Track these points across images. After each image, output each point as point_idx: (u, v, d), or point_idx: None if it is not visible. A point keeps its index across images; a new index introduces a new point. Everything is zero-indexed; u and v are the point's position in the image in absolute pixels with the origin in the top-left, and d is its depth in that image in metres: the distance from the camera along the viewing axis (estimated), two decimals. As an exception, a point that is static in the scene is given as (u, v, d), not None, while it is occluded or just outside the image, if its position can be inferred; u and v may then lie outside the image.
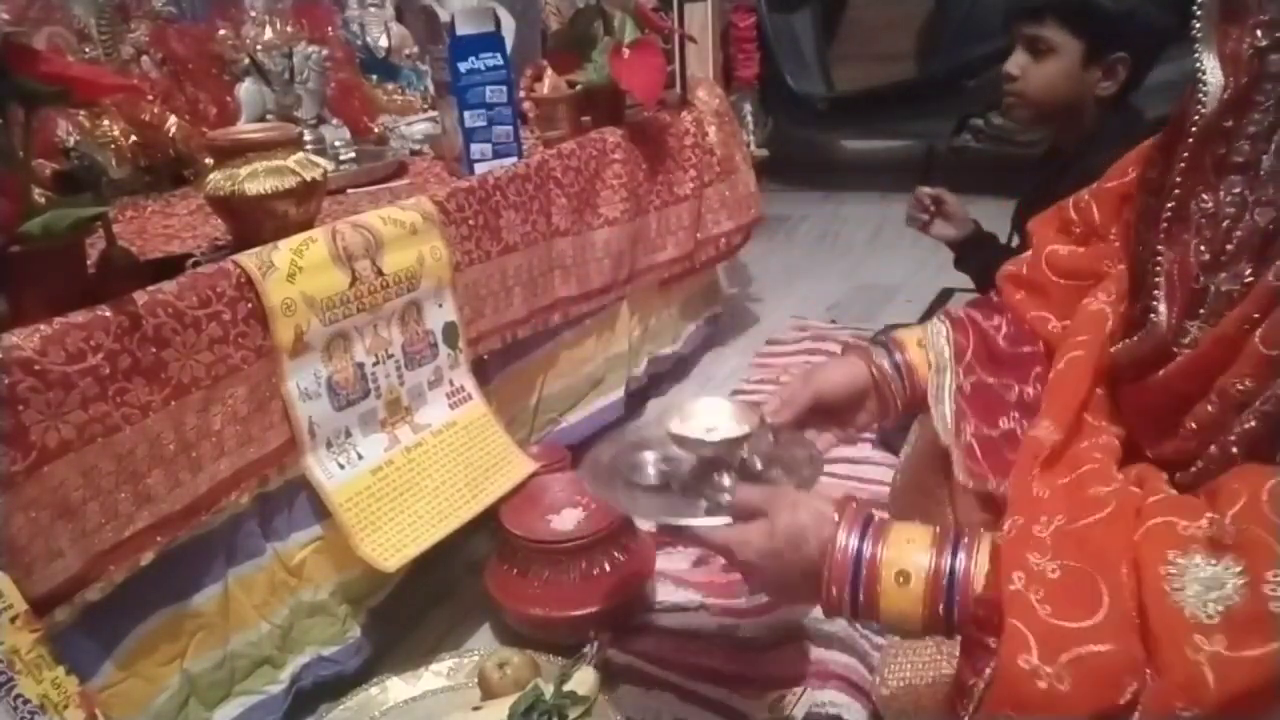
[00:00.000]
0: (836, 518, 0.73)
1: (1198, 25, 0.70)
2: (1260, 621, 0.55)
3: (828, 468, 1.63)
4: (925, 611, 0.69)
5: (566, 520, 1.35)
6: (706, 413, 0.90)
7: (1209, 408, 0.68)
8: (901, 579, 0.70)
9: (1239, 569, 0.57)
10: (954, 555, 0.69)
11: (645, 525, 1.30)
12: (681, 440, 0.87)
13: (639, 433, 0.97)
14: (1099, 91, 1.37)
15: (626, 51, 1.67)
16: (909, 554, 0.70)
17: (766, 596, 0.81)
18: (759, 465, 0.89)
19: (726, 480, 0.86)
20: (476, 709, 1.07)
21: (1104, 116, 1.39)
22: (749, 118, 3.34)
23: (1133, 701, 0.58)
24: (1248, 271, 0.66)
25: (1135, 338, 0.77)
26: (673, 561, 1.42)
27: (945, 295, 2.51)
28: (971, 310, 0.98)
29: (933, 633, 0.72)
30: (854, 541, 0.72)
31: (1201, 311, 0.70)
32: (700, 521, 0.82)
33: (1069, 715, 0.59)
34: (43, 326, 0.84)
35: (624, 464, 0.91)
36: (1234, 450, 0.67)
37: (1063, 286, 0.94)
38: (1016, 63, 1.41)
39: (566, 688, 1.05)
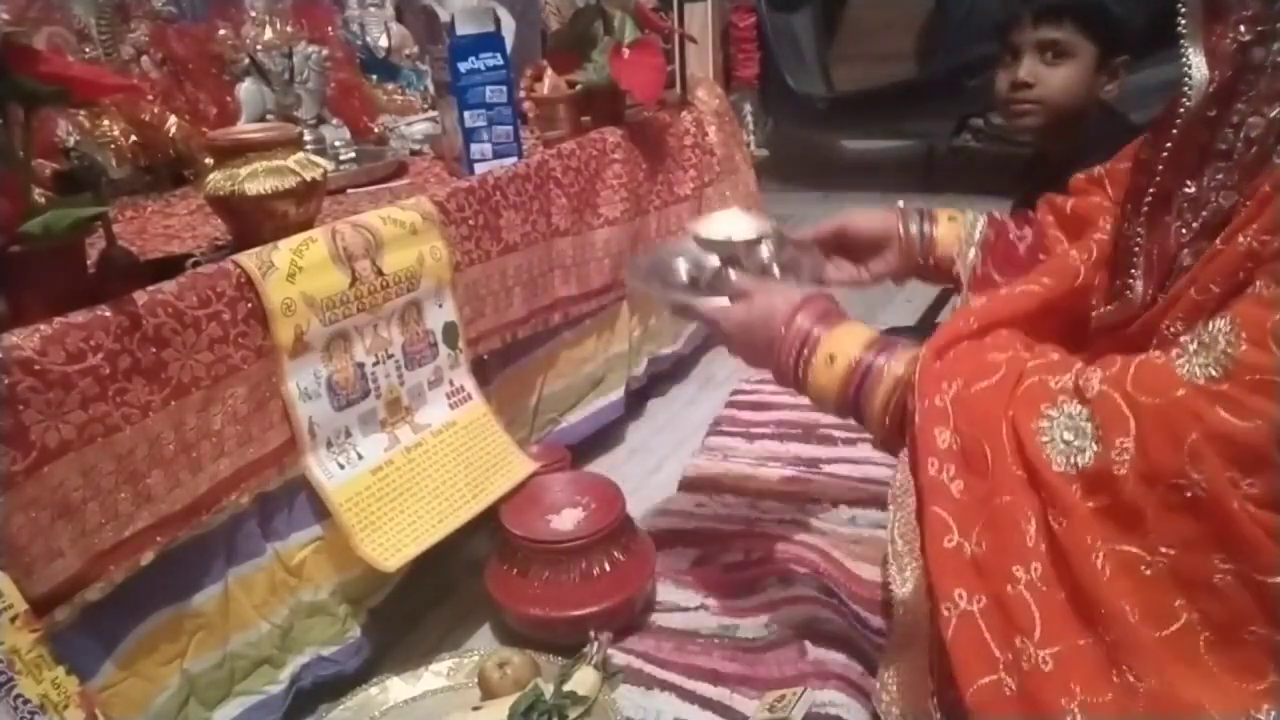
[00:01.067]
0: (802, 302, 0.90)
1: (1183, 22, 0.74)
2: (1106, 481, 0.64)
3: (827, 467, 1.65)
4: (839, 391, 0.85)
5: (566, 520, 1.35)
6: (729, 221, 1.07)
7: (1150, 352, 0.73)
8: (830, 360, 0.86)
9: (1097, 423, 0.66)
10: (878, 355, 0.84)
11: (664, 306, 1.49)
12: (703, 242, 1.06)
13: (674, 244, 1.20)
14: (1103, 95, 1.37)
15: (626, 51, 1.67)
16: (845, 344, 0.86)
17: (744, 361, 0.99)
18: (775, 269, 1.06)
19: (734, 275, 1.02)
20: (476, 709, 1.07)
21: (1096, 120, 1.39)
22: (749, 118, 3.34)
23: (1037, 543, 0.68)
24: (1206, 246, 0.70)
25: (1113, 308, 0.83)
26: (673, 561, 1.42)
27: (945, 295, 2.51)
28: (1006, 218, 1.12)
29: (840, 411, 0.87)
30: (807, 323, 0.88)
31: (1167, 284, 0.75)
32: (698, 300, 1.01)
33: (998, 573, 0.68)
34: (43, 326, 0.84)
35: (661, 267, 1.10)
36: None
37: (1075, 222, 1.05)
38: (1030, 71, 1.37)
39: (566, 688, 1.05)
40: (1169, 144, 0.76)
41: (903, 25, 3.67)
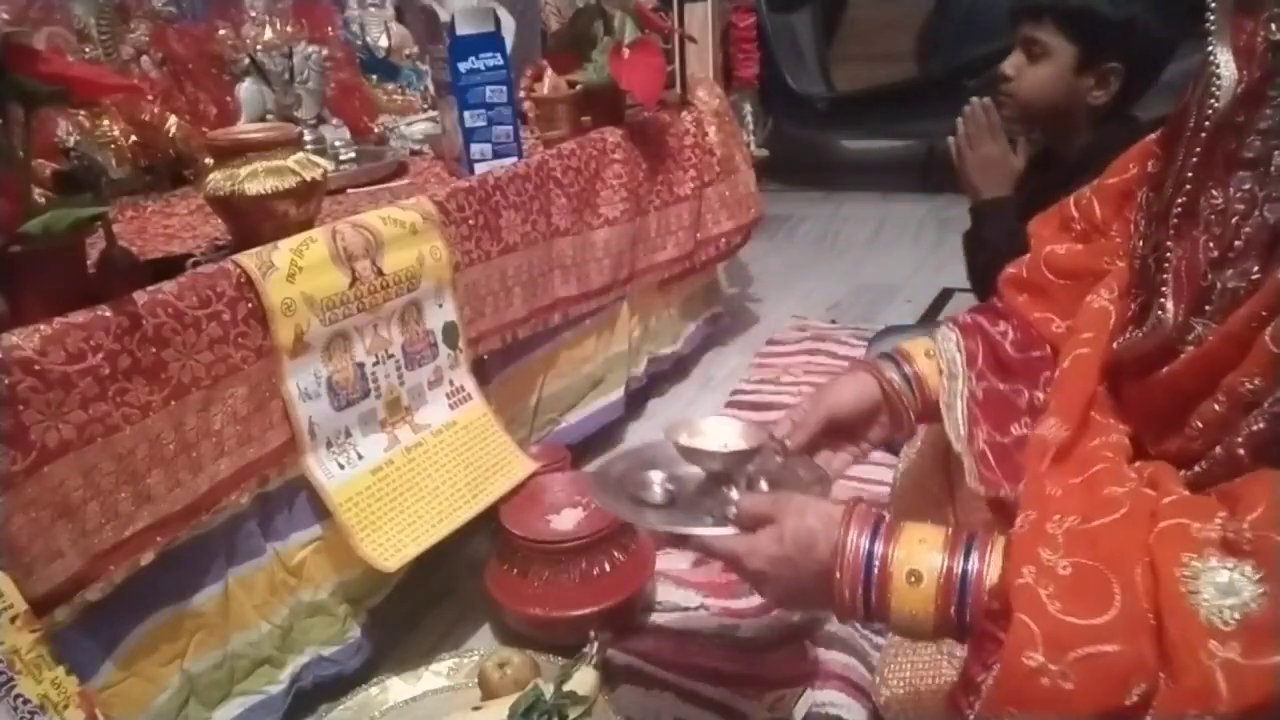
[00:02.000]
0: (846, 519, 0.73)
1: (1211, 18, 0.69)
2: (1276, 631, 0.54)
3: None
4: (937, 612, 0.68)
5: (566, 520, 1.35)
6: (715, 430, 0.90)
7: (1216, 406, 0.67)
8: (913, 579, 0.69)
9: (1257, 576, 0.55)
10: (967, 556, 0.68)
11: (652, 535, 1.31)
12: (689, 452, 0.88)
13: (647, 451, 0.98)
14: (1090, 100, 1.37)
15: (626, 51, 1.67)
16: (921, 554, 0.69)
17: (779, 606, 0.80)
18: (764, 486, 0.88)
19: (734, 494, 0.86)
20: (476, 709, 1.07)
21: (1101, 126, 1.39)
22: (749, 118, 3.34)
23: (1140, 704, 0.57)
24: (1255, 269, 0.65)
25: (1140, 333, 0.76)
26: (673, 561, 1.42)
27: (945, 295, 2.51)
28: (978, 316, 0.98)
29: (944, 635, 0.70)
30: (865, 542, 0.71)
31: (1207, 309, 0.69)
32: (707, 530, 0.81)
33: (1072, 715, 0.59)
34: (43, 326, 0.84)
35: (631, 481, 0.91)
36: (1240, 452, 0.65)
37: (1063, 286, 0.93)
38: (1012, 63, 1.41)
39: (566, 688, 1.05)
40: (1198, 149, 0.70)
41: (903, 25, 3.67)
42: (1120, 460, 0.75)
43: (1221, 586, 0.56)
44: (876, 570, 0.70)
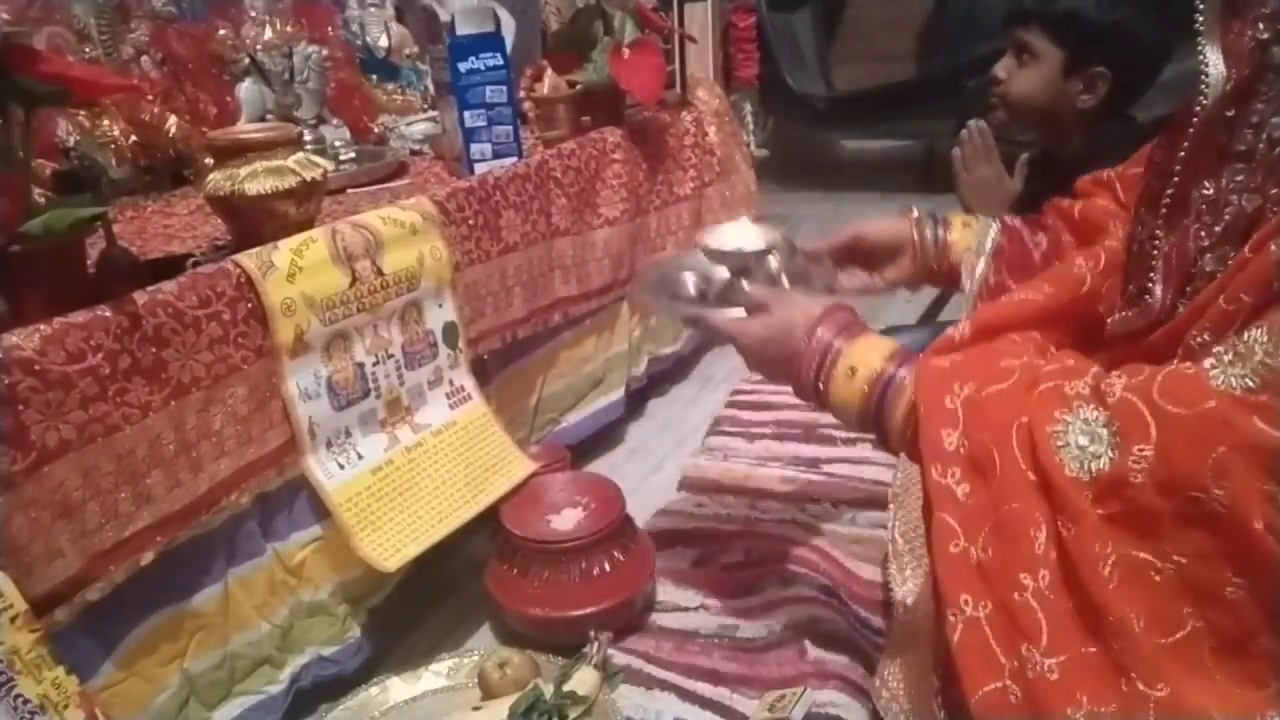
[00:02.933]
0: (822, 316, 0.87)
1: (1200, 19, 0.72)
2: (1120, 487, 0.64)
3: (827, 467, 1.65)
4: (861, 402, 0.83)
5: (566, 520, 1.35)
6: (738, 232, 1.07)
7: (1175, 362, 0.71)
8: (850, 373, 0.84)
9: (1114, 429, 0.65)
10: (899, 367, 0.82)
11: (676, 320, 1.53)
12: (711, 253, 1.04)
13: (681, 258, 1.16)
14: (1079, 104, 1.37)
15: (626, 51, 1.67)
16: (867, 356, 0.84)
17: (761, 375, 0.97)
18: (784, 280, 1.03)
19: (747, 286, 1.01)
20: (476, 709, 1.07)
21: (1097, 128, 1.39)
22: (749, 118, 3.34)
23: (1048, 549, 0.67)
24: (1231, 253, 0.68)
25: (1130, 313, 0.80)
26: (673, 561, 1.42)
27: (945, 295, 2.51)
28: (1021, 223, 1.10)
29: (865, 425, 0.84)
30: (828, 335, 0.86)
31: (1188, 290, 0.73)
32: (713, 312, 0.99)
33: (1005, 577, 0.68)
34: (43, 326, 0.84)
35: (669, 281, 1.09)
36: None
37: (1084, 227, 1.03)
38: (1004, 66, 1.43)
39: (566, 688, 1.05)
40: (1186, 144, 0.74)
41: (903, 25, 3.67)
42: (1026, 343, 0.83)
43: (1086, 433, 0.67)
44: (829, 360, 0.85)
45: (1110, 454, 0.64)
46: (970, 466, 0.72)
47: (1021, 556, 0.68)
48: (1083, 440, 0.66)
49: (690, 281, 1.09)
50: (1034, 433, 0.69)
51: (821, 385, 0.86)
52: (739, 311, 0.96)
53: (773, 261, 1.04)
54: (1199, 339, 0.68)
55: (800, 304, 0.91)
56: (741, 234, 1.06)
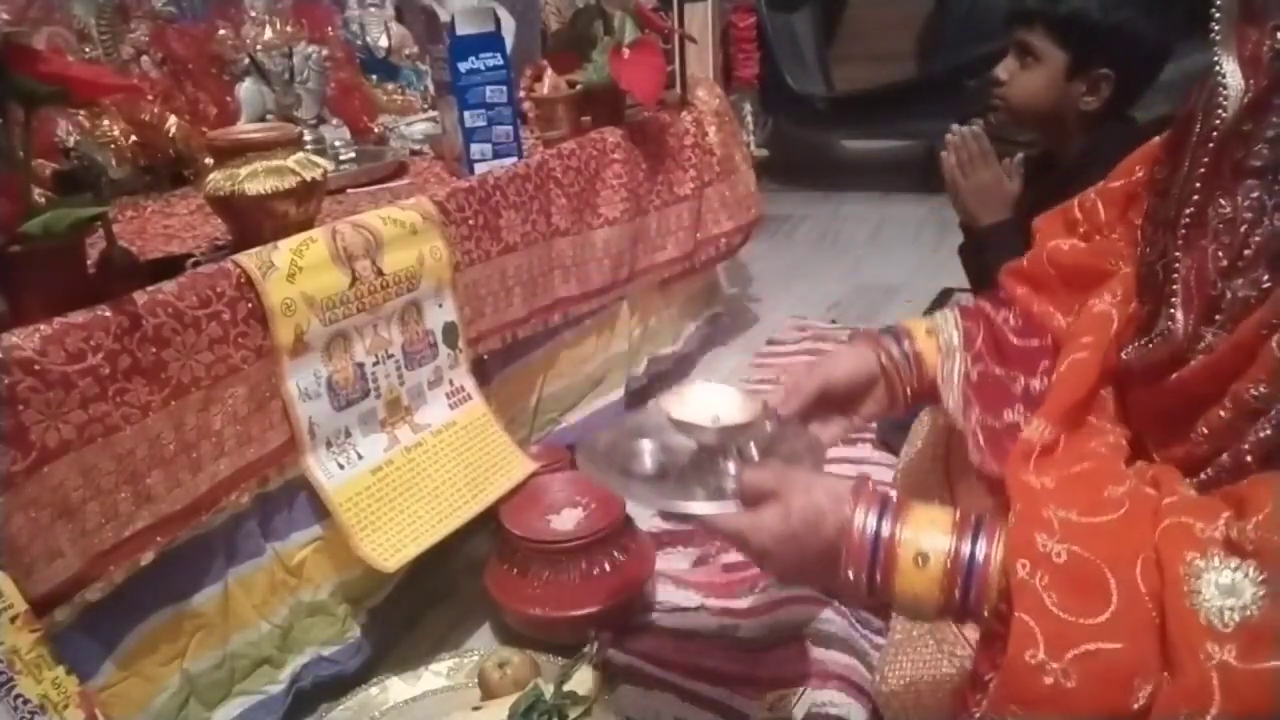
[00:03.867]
0: (854, 497, 0.71)
1: (1216, 28, 0.69)
2: (1275, 636, 0.54)
3: (829, 467, 1.64)
4: (941, 595, 0.67)
5: (566, 520, 1.35)
6: (707, 398, 0.87)
7: (1222, 413, 0.67)
8: (920, 560, 0.68)
9: (1259, 578, 0.55)
10: (974, 540, 0.67)
11: (648, 511, 1.26)
12: (682, 425, 0.84)
13: (636, 420, 0.95)
14: (1081, 106, 1.37)
15: (626, 51, 1.67)
16: (929, 535, 0.68)
17: (782, 582, 0.80)
18: (755, 455, 0.86)
19: (731, 467, 0.84)
20: (476, 709, 1.07)
21: (1097, 129, 1.39)
22: (749, 118, 3.34)
23: (1146, 706, 0.57)
24: (1265, 278, 0.65)
25: (1149, 343, 0.75)
26: (673, 561, 1.42)
27: (945, 295, 2.51)
28: (981, 301, 0.98)
29: (947, 617, 0.71)
30: (872, 521, 0.70)
31: (1217, 318, 0.69)
32: (709, 507, 0.79)
33: (1076, 714, 0.58)
34: (43, 326, 0.84)
35: (620, 452, 0.88)
36: (1248, 459, 0.65)
37: (1065, 282, 0.93)
38: (1005, 67, 1.42)
39: (566, 688, 1.05)
40: (1205, 159, 0.70)
41: (903, 25, 3.67)
42: (1117, 460, 0.75)
43: (1224, 587, 0.56)
44: (883, 551, 0.69)
45: (1260, 594, 0.55)
46: (1068, 580, 0.61)
47: (1115, 703, 0.58)
48: (1224, 584, 0.57)
49: (648, 453, 0.88)
50: (1164, 570, 0.59)
51: (880, 582, 0.70)
52: (729, 504, 0.77)
53: (753, 435, 0.86)
54: (1253, 391, 0.64)
55: (818, 485, 0.74)
56: (714, 401, 0.86)
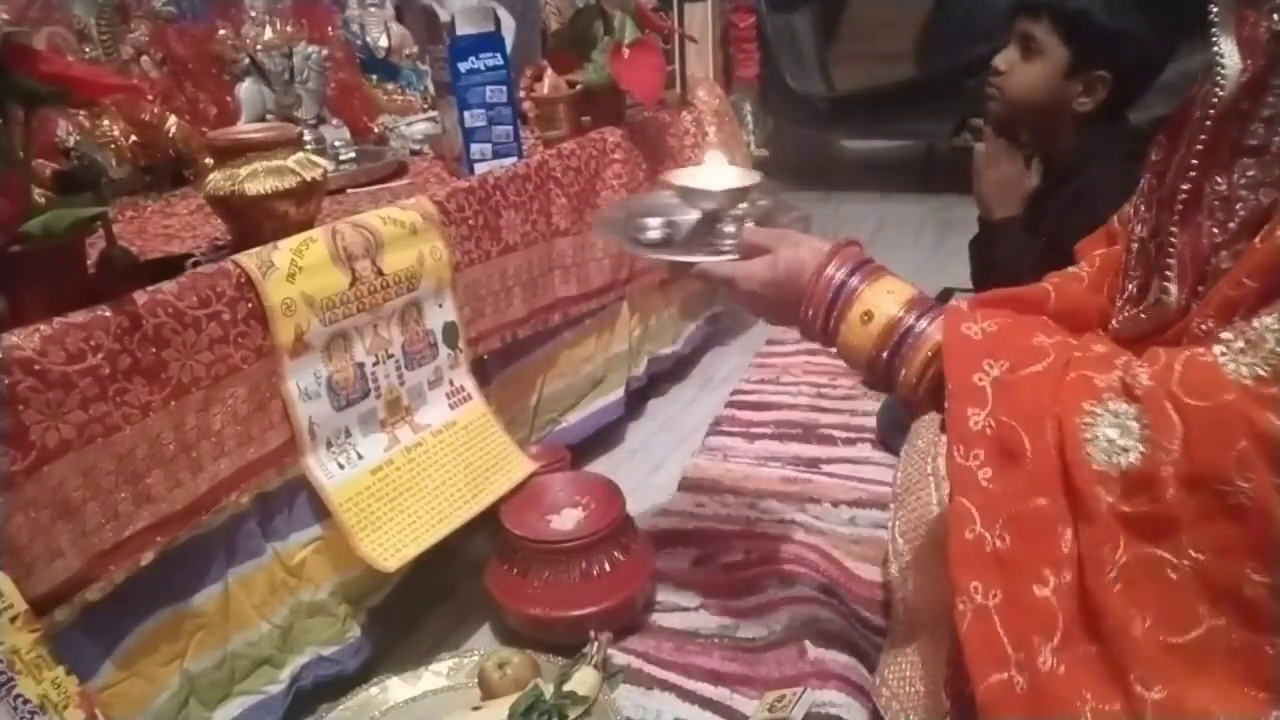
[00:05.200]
0: (832, 253, 0.82)
1: (1215, 9, 0.71)
2: (1149, 483, 0.63)
3: (827, 467, 1.65)
4: (874, 349, 0.79)
5: (566, 520, 1.35)
6: (709, 172, 0.98)
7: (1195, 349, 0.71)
8: (866, 317, 0.79)
9: (1144, 423, 0.63)
10: (919, 318, 0.78)
11: (655, 263, 1.39)
12: (687, 193, 0.96)
13: (646, 200, 1.08)
14: (1076, 106, 1.37)
15: (626, 51, 1.68)
16: (884, 301, 0.79)
17: (762, 318, 0.92)
18: (750, 224, 0.94)
19: (730, 228, 0.94)
20: (476, 709, 1.07)
21: (1091, 130, 1.39)
22: (749, 118, 3.34)
23: (1074, 549, 0.65)
24: (1244, 248, 0.67)
25: (1141, 314, 0.79)
26: (673, 561, 1.42)
27: (945, 295, 2.51)
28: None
29: (872, 371, 0.80)
30: (841, 274, 0.81)
31: (1201, 288, 0.72)
32: (710, 258, 0.90)
33: (1020, 570, 0.66)
34: (43, 326, 0.84)
35: (631, 225, 1.00)
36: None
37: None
38: (1005, 58, 1.42)
39: (566, 688, 1.06)
40: (1203, 137, 0.72)
41: (903, 25, 3.67)
42: (1050, 322, 0.80)
43: (1111, 440, 0.65)
44: (841, 300, 0.80)
45: (1140, 448, 0.63)
46: (997, 451, 0.69)
47: (1045, 552, 0.66)
48: (1112, 433, 0.65)
49: (654, 224, 1.00)
50: (1063, 424, 0.67)
51: (832, 325, 0.81)
52: (728, 256, 0.90)
53: (744, 205, 0.96)
54: (1203, 325, 0.68)
55: (806, 242, 0.85)
56: (714, 173, 0.97)
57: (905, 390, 0.80)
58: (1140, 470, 0.63)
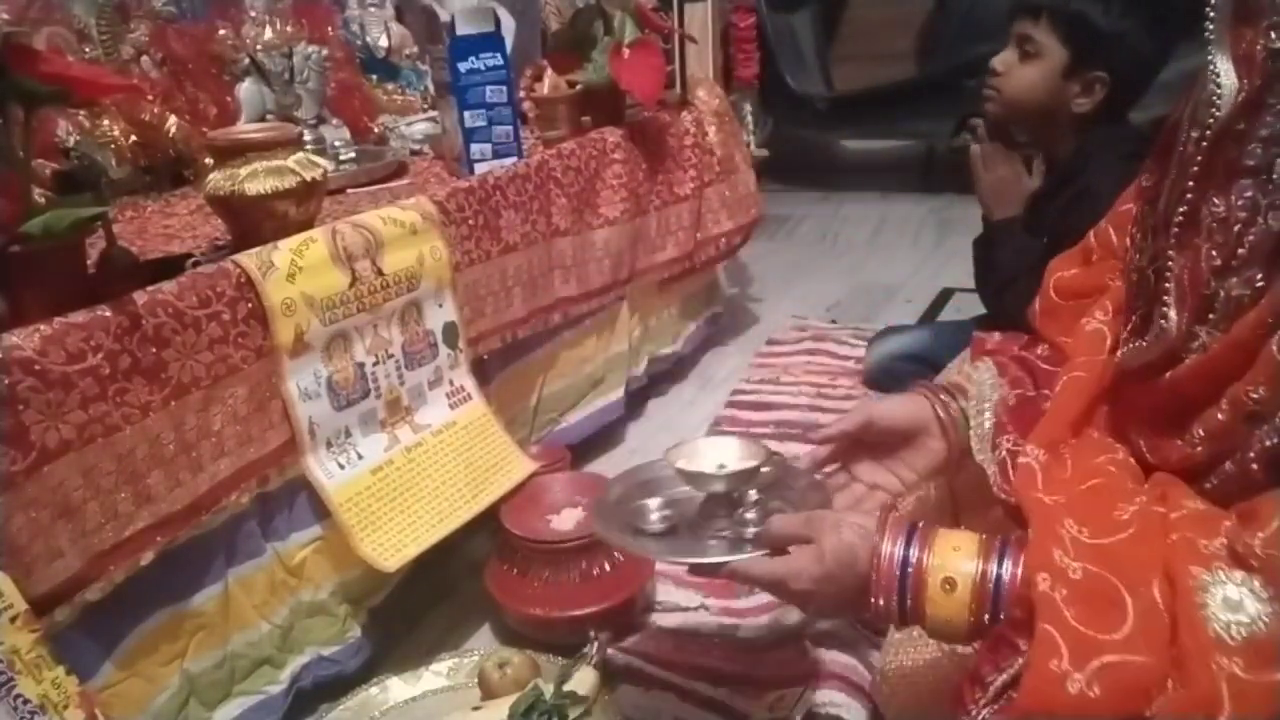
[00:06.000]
0: (880, 529, 0.74)
1: (1210, 27, 0.69)
2: (1278, 649, 0.56)
3: (826, 467, 1.64)
4: (971, 618, 0.70)
5: (566, 520, 1.35)
6: (712, 449, 0.90)
7: (1219, 415, 0.67)
8: (948, 586, 0.70)
9: (1265, 593, 0.57)
10: (1000, 562, 0.69)
11: (673, 566, 1.30)
12: (691, 476, 0.87)
13: (641, 474, 0.98)
14: (1074, 107, 1.37)
15: (626, 51, 1.67)
16: (955, 561, 0.71)
17: (822, 618, 0.86)
18: (753, 495, 0.88)
19: (750, 514, 0.86)
20: (476, 709, 1.07)
21: (1091, 130, 1.39)
22: (749, 118, 3.34)
23: (1158, 711, 0.59)
24: (1259, 276, 0.65)
25: (1143, 343, 0.76)
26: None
27: (945, 295, 2.51)
28: (1009, 341, 0.98)
29: (979, 639, 0.72)
30: (899, 550, 0.73)
31: (1211, 317, 0.69)
32: (742, 558, 0.81)
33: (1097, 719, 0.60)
34: (43, 326, 0.84)
35: (628, 511, 0.91)
36: (1253, 466, 0.65)
37: (1069, 307, 0.94)
38: (1003, 59, 1.43)
39: (566, 688, 1.05)
40: (1199, 158, 0.70)
41: (903, 25, 3.67)
42: (1125, 477, 0.75)
43: (1230, 602, 0.58)
44: (911, 579, 0.71)
45: (1265, 618, 0.57)
46: (1084, 594, 0.63)
47: (1133, 711, 0.60)
48: (1230, 598, 0.58)
49: (654, 510, 0.90)
50: (1175, 584, 0.60)
51: (910, 607, 0.72)
52: (759, 550, 0.80)
53: (753, 492, 0.88)
54: (1254, 394, 0.64)
55: (846, 524, 0.76)
56: (720, 452, 0.88)
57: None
58: (1267, 635, 0.56)
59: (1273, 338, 0.62)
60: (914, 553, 0.72)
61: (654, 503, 0.91)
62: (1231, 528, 0.62)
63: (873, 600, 0.73)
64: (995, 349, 0.97)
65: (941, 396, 0.94)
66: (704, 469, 0.87)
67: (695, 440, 0.92)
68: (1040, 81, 1.38)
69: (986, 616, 0.69)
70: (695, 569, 0.91)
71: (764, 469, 0.89)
